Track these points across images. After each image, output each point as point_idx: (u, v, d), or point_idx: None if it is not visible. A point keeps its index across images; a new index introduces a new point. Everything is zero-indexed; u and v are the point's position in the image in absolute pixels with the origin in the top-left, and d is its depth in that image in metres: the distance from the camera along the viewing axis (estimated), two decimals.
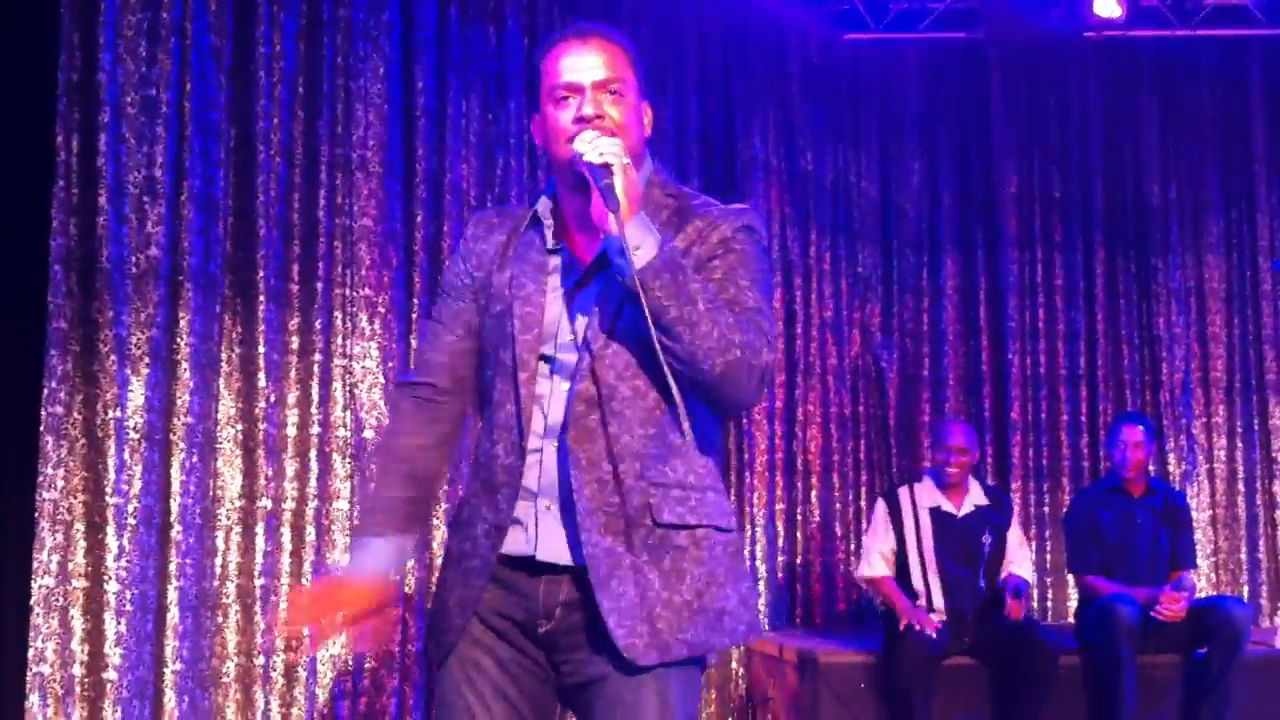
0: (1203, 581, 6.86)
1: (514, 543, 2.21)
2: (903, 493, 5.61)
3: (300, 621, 2.36)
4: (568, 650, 2.20)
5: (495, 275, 2.28)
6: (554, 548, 2.18)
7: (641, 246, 2.04)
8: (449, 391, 2.33)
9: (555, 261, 2.25)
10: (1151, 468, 6.07)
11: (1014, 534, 5.64)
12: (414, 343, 5.16)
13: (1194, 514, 6.48)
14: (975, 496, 5.59)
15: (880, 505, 5.65)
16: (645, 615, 2.11)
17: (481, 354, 2.31)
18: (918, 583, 5.44)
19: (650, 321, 2.03)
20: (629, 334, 2.13)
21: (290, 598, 2.28)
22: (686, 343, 2.05)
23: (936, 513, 5.51)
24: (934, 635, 5.17)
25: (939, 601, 5.39)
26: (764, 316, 2.17)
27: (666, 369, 2.07)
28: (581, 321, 2.19)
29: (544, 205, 2.29)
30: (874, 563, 5.55)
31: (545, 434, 2.19)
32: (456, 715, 2.23)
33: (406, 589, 5.06)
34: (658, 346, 2.05)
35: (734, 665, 6.24)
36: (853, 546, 6.92)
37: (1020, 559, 5.62)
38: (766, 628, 6.48)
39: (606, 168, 2.06)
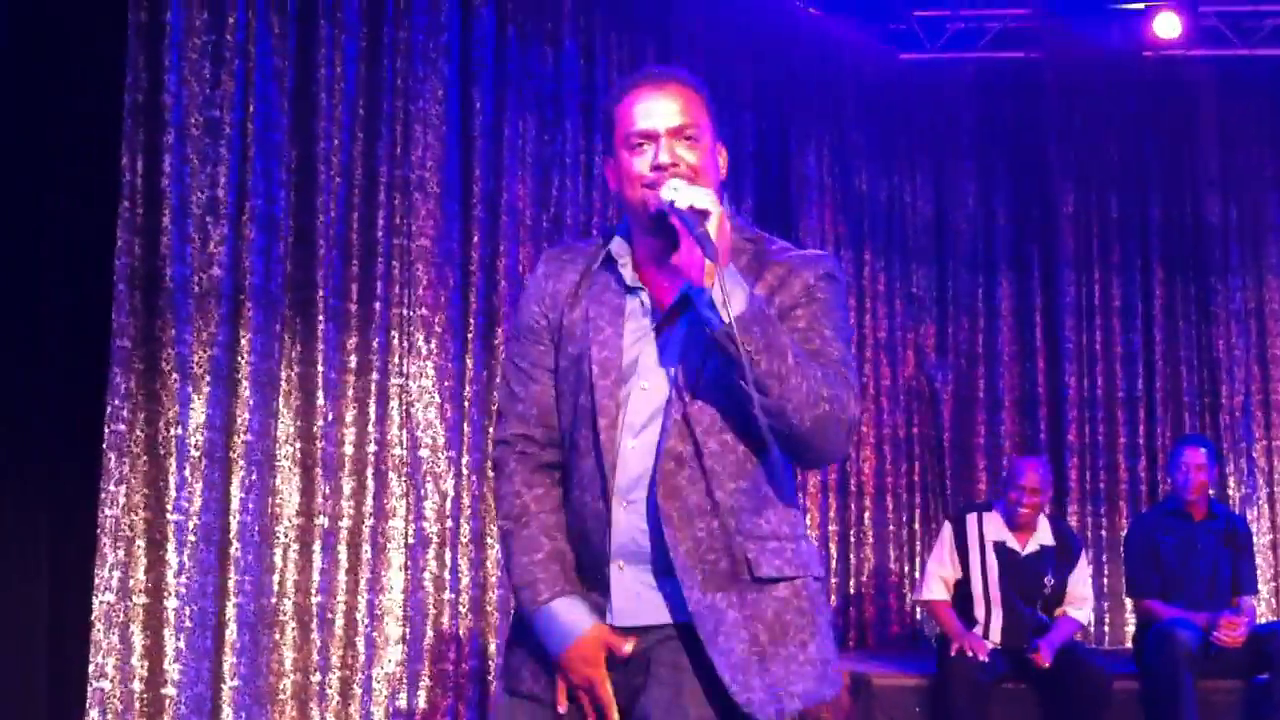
0: (1263, 606, 6.75)
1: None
2: (970, 520, 5.49)
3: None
4: (658, 711, 2.10)
5: (568, 314, 2.21)
6: (633, 609, 2.12)
7: (732, 298, 1.98)
8: (545, 442, 2.22)
9: (633, 304, 2.18)
10: (1211, 491, 5.98)
11: (1078, 574, 5.49)
12: (469, 362, 5.20)
13: (1255, 538, 6.39)
14: (1042, 536, 5.45)
15: (947, 530, 5.55)
16: (758, 670, 2.06)
17: (558, 396, 2.22)
18: (979, 612, 5.37)
19: (742, 375, 1.98)
20: (714, 386, 2.08)
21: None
22: (776, 396, 1.99)
23: (1000, 548, 5.40)
24: (985, 660, 5.12)
25: (997, 634, 5.32)
26: (849, 368, 2.12)
27: (758, 422, 2.01)
28: (663, 370, 2.13)
29: (619, 245, 2.22)
30: (933, 587, 5.47)
31: (620, 490, 2.12)
32: None
33: (461, 606, 5.08)
34: (749, 401, 2.00)
35: None
36: (907, 569, 6.87)
37: (1079, 600, 5.48)
38: None
39: (705, 214, 2.01)
